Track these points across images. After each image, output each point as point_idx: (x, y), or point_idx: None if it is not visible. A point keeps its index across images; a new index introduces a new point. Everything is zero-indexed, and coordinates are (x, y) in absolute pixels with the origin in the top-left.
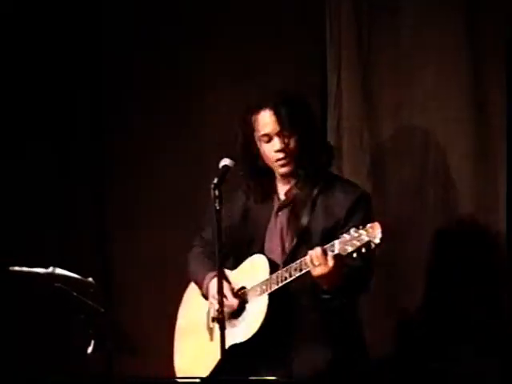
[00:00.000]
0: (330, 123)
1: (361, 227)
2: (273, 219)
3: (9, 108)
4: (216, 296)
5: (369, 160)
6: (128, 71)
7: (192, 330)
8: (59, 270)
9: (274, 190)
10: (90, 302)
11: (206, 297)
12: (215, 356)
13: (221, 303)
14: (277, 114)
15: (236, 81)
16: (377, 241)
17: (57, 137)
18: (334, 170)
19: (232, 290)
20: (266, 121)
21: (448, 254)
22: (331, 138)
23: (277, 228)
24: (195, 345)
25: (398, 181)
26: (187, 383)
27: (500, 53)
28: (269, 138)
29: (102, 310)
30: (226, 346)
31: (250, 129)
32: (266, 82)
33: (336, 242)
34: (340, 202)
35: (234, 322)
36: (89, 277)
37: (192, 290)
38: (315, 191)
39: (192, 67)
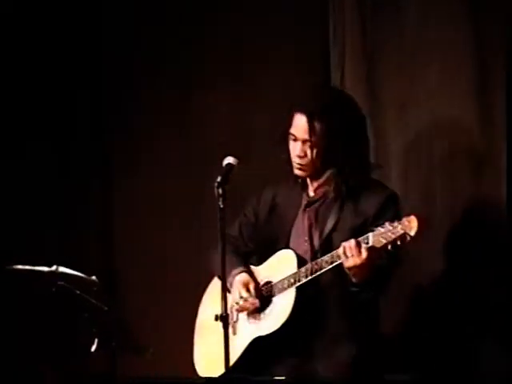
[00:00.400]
0: None
1: (396, 221)
2: (300, 215)
3: (9, 108)
4: (241, 294)
5: (372, 158)
6: (128, 71)
7: (214, 324)
8: (62, 269)
9: (303, 186)
10: (94, 301)
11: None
12: (239, 349)
13: (225, 303)
14: (309, 123)
15: (236, 81)
16: (412, 233)
17: (57, 137)
18: None
19: (256, 288)
20: (298, 124)
21: (451, 255)
22: None
23: (304, 224)
24: (217, 339)
25: (401, 178)
26: (192, 383)
27: (504, 51)
28: (295, 139)
29: (106, 308)
30: (251, 338)
31: (288, 124)
32: (266, 81)
33: (370, 234)
34: (369, 200)
35: (261, 314)
36: (91, 275)
37: (214, 286)
38: (344, 189)
39: (192, 67)
